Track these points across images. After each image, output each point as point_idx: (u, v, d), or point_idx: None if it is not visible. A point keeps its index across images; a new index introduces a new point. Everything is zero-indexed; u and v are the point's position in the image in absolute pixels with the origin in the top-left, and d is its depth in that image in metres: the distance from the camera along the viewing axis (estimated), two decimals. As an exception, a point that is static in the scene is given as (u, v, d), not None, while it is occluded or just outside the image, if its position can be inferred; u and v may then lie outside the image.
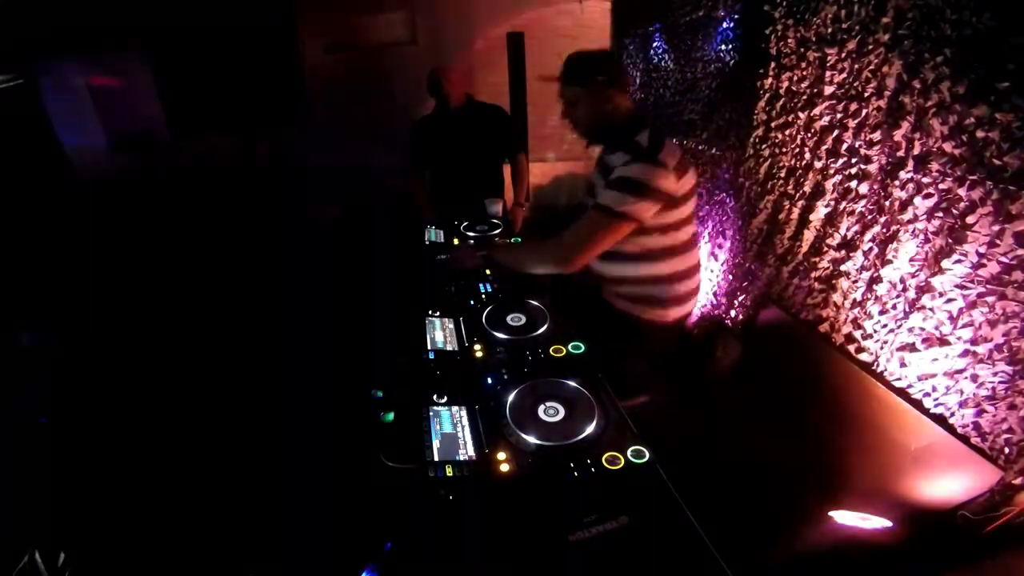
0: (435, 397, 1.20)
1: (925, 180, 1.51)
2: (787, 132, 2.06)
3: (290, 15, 3.42)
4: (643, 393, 2.06)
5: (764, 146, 2.18)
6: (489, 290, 1.71)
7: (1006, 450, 1.36)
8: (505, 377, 1.28)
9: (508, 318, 1.53)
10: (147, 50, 3.34)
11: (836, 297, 1.89)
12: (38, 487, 1.57)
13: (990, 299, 1.34)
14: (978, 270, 1.37)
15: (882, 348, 1.71)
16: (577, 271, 1.51)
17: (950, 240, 1.44)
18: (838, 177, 1.83)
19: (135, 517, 1.73)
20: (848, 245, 1.82)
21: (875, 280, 1.72)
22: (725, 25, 2.46)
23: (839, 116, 1.80)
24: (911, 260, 1.57)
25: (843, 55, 1.75)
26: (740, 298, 2.43)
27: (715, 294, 2.62)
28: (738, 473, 2.00)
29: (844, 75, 1.76)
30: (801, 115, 1.98)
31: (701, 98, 2.66)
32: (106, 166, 3.39)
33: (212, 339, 2.63)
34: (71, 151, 3.24)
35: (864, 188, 1.73)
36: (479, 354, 1.37)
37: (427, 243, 2.16)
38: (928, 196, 1.50)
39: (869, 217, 1.73)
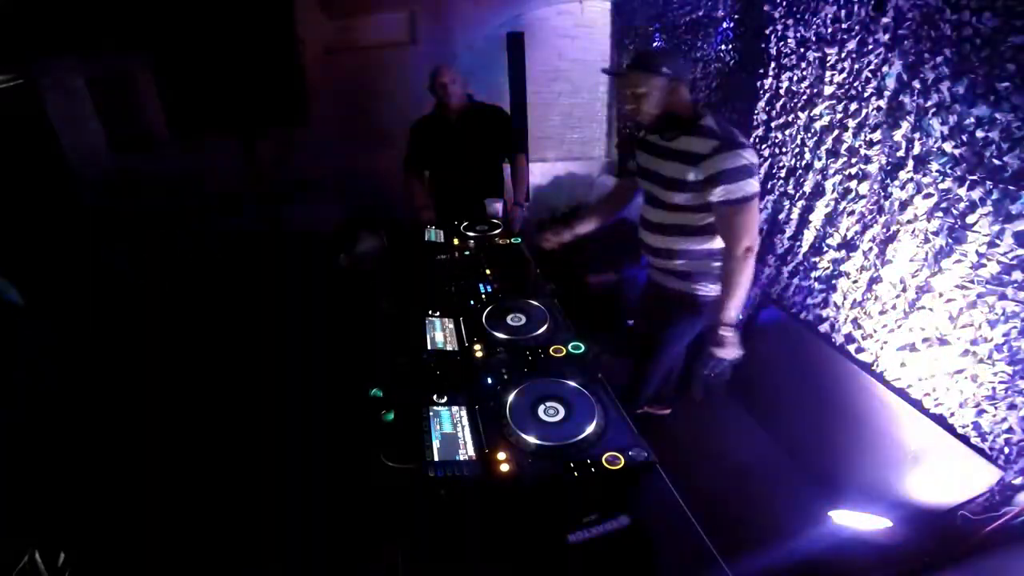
0: (435, 397, 1.20)
1: (925, 180, 1.50)
2: (787, 132, 2.06)
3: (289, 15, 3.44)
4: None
5: (764, 146, 2.18)
6: (489, 290, 1.71)
7: (1006, 450, 1.35)
8: (505, 377, 1.28)
9: (508, 318, 1.53)
10: (147, 50, 3.34)
11: (836, 297, 1.89)
12: (38, 487, 1.57)
13: (990, 299, 1.34)
14: (978, 270, 1.37)
15: (882, 348, 1.70)
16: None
17: (950, 240, 1.44)
18: (838, 177, 1.83)
19: (135, 517, 1.73)
20: (848, 245, 1.82)
21: (875, 280, 1.72)
22: (725, 25, 2.46)
23: (839, 116, 1.80)
24: (911, 260, 1.57)
25: (843, 55, 1.75)
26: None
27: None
28: (738, 473, 2.00)
29: (844, 75, 1.76)
30: (801, 115, 1.97)
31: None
32: (106, 166, 3.38)
33: (212, 340, 2.64)
34: (71, 151, 3.23)
35: (864, 188, 1.73)
36: (479, 354, 1.36)
37: (427, 242, 2.15)
38: (928, 196, 1.50)
39: (869, 217, 1.72)
